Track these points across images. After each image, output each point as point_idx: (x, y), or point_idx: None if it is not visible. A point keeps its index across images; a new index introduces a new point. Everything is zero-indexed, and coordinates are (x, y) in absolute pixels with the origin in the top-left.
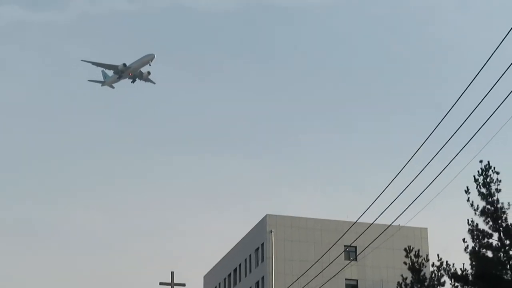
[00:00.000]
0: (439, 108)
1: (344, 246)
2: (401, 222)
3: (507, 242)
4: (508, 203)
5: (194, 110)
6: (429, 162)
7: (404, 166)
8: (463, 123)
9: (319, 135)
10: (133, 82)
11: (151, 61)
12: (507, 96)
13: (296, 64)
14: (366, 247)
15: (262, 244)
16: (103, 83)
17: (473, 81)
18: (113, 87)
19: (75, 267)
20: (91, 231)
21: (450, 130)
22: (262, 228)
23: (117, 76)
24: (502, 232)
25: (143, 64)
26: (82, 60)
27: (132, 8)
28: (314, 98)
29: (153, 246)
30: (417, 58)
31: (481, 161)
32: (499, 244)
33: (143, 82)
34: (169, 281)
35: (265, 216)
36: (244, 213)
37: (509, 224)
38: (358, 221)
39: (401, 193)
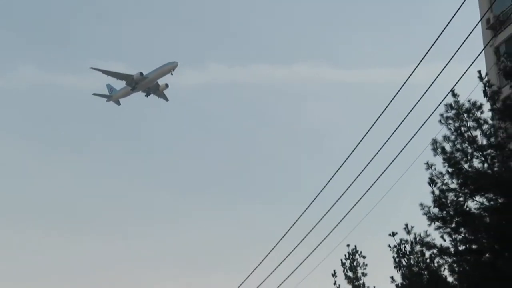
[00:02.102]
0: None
1: None
2: None
3: None
4: (374, 287)
5: None
6: (295, 248)
7: (269, 253)
8: (329, 209)
9: None
10: (147, 95)
11: (173, 70)
12: (373, 184)
13: None
14: None
15: None
16: (108, 98)
17: (339, 170)
18: (119, 104)
19: None
20: None
21: (318, 215)
22: None
23: (130, 88)
24: None
25: (164, 74)
26: (91, 68)
27: None
28: None
29: None
30: (283, 145)
31: (348, 245)
32: None
33: (156, 97)
34: None
35: None
36: None
37: None
38: None
39: (266, 279)
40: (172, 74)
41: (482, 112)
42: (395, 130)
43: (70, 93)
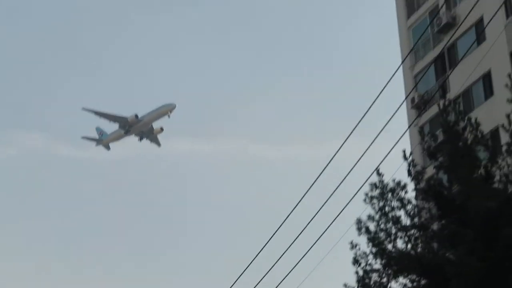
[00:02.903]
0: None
1: None
2: None
3: None
4: None
5: None
6: None
7: None
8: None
9: None
10: (140, 139)
11: (171, 112)
12: (297, 264)
13: None
14: None
15: None
16: (98, 142)
17: (261, 251)
18: (108, 148)
19: None
20: None
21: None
22: None
23: (124, 131)
24: None
25: (160, 116)
26: (83, 109)
27: None
28: None
29: None
30: (199, 223)
31: None
32: None
33: (149, 141)
34: None
35: None
36: None
37: None
38: None
39: None
40: (169, 116)
41: (406, 192)
42: (318, 211)
43: None
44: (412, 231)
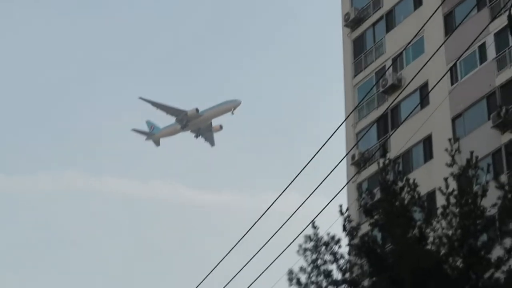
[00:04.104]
0: None
1: None
2: None
3: None
4: None
5: None
6: None
7: None
8: None
9: None
10: (197, 136)
11: (235, 109)
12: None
13: None
14: None
15: None
16: (149, 136)
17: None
18: (158, 144)
19: None
20: None
21: None
22: None
23: (180, 126)
24: None
25: (222, 113)
26: (140, 98)
27: None
28: None
29: None
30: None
31: None
32: None
33: (203, 139)
34: None
35: None
36: None
37: None
38: None
39: None
40: (232, 113)
41: (340, 247)
42: (249, 261)
43: None
44: (343, 286)
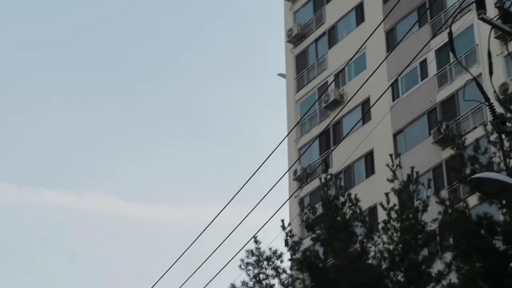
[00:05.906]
0: None
1: None
2: None
3: None
4: None
5: None
6: None
7: None
8: None
9: None
10: None
11: None
12: None
13: None
14: None
15: None
16: None
17: None
18: None
19: None
20: None
21: None
22: None
23: None
24: None
25: None
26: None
27: None
28: None
29: None
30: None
31: None
32: None
33: None
34: None
35: None
36: None
37: None
38: None
39: None
40: None
41: (282, 261)
42: (190, 276)
43: None
44: None
